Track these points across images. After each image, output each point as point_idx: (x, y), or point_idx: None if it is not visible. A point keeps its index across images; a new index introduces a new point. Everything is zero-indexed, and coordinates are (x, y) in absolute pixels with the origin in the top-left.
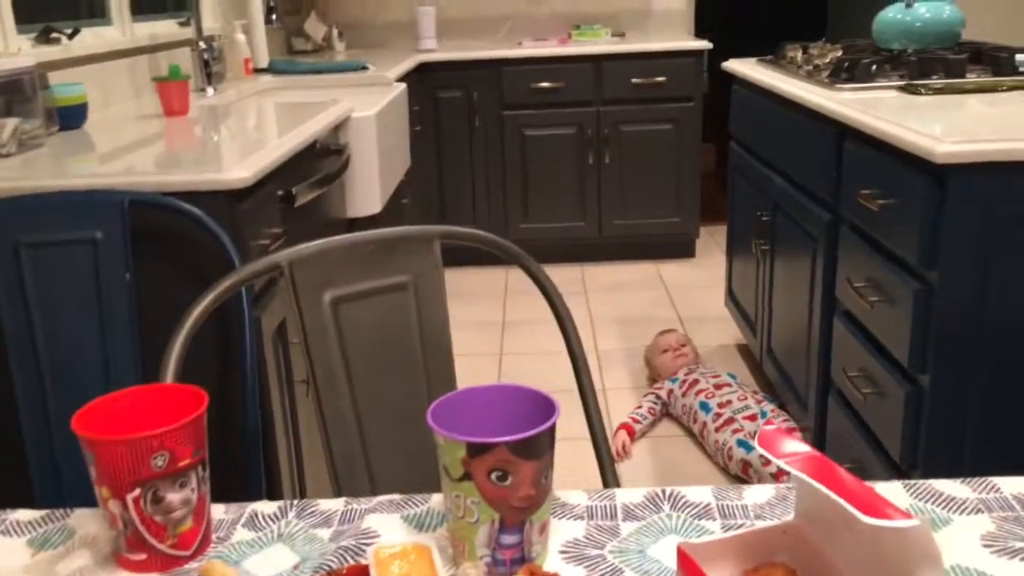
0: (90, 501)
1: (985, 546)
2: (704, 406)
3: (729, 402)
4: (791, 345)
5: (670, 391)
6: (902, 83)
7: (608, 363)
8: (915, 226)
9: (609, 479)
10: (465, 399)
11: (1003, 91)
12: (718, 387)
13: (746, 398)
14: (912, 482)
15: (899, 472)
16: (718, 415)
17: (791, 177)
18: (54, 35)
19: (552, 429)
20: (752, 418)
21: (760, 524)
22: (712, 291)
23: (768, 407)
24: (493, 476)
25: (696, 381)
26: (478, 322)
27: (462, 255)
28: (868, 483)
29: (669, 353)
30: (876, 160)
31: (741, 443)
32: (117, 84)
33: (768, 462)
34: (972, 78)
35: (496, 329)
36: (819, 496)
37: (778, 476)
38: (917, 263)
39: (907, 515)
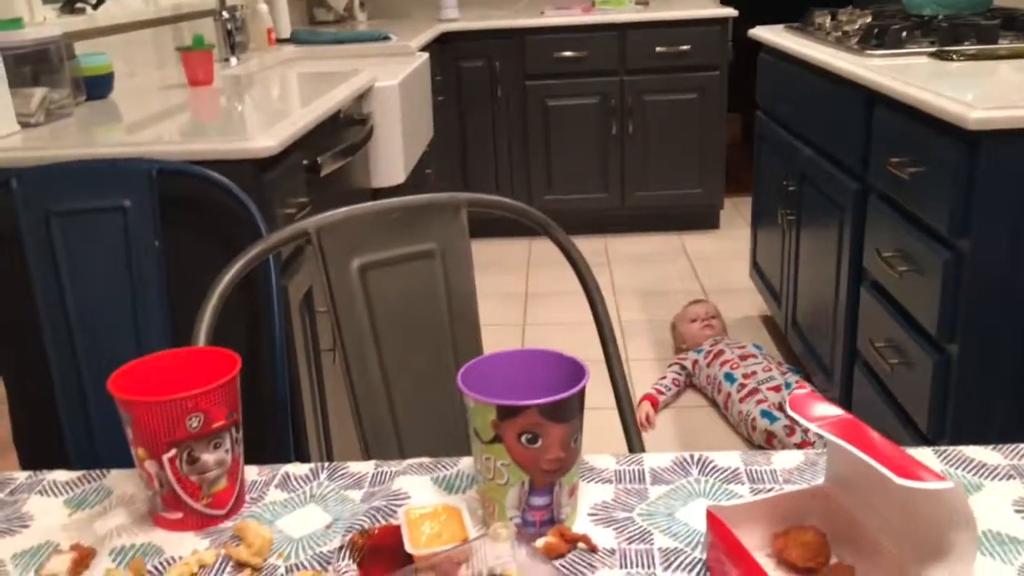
0: (124, 464)
1: (1017, 511)
2: (729, 377)
3: (754, 373)
4: (817, 316)
5: (695, 361)
6: (933, 49)
7: (631, 334)
8: (947, 194)
9: (635, 444)
10: (495, 363)
11: None
12: (743, 358)
13: (771, 369)
14: (942, 448)
15: (926, 442)
16: (742, 386)
17: (818, 146)
18: (79, 5)
19: (582, 392)
20: (776, 389)
21: (789, 488)
22: (736, 262)
23: (793, 378)
24: (523, 439)
25: (721, 352)
26: (501, 293)
27: (485, 226)
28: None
29: (697, 323)
30: (907, 127)
31: (765, 413)
32: (142, 54)
33: (793, 432)
34: (1005, 44)
35: (519, 300)
36: (851, 459)
37: (802, 446)
38: (948, 231)
39: (940, 477)
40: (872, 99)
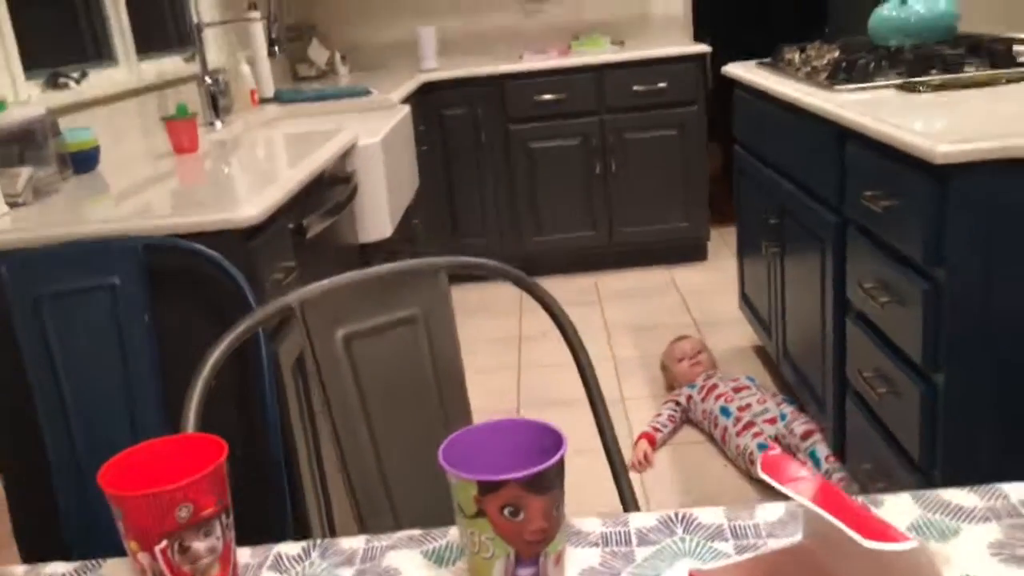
0: (124, 550)
1: (993, 554)
2: (724, 411)
3: (748, 406)
4: (806, 347)
5: (689, 396)
6: (900, 81)
7: (626, 371)
8: (919, 226)
9: (627, 498)
10: (476, 436)
11: (1002, 84)
12: (737, 390)
13: (765, 401)
14: (921, 493)
15: (918, 471)
16: (738, 419)
17: (797, 179)
18: (62, 80)
19: (560, 463)
20: (772, 421)
21: (772, 543)
22: (726, 294)
23: (787, 409)
24: (506, 512)
25: (715, 386)
26: (495, 337)
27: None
28: (879, 496)
29: (685, 362)
30: (878, 161)
31: (762, 447)
32: (127, 124)
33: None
34: (970, 72)
35: (513, 343)
36: (824, 519)
37: None
38: (924, 262)
39: (905, 537)
40: (844, 134)
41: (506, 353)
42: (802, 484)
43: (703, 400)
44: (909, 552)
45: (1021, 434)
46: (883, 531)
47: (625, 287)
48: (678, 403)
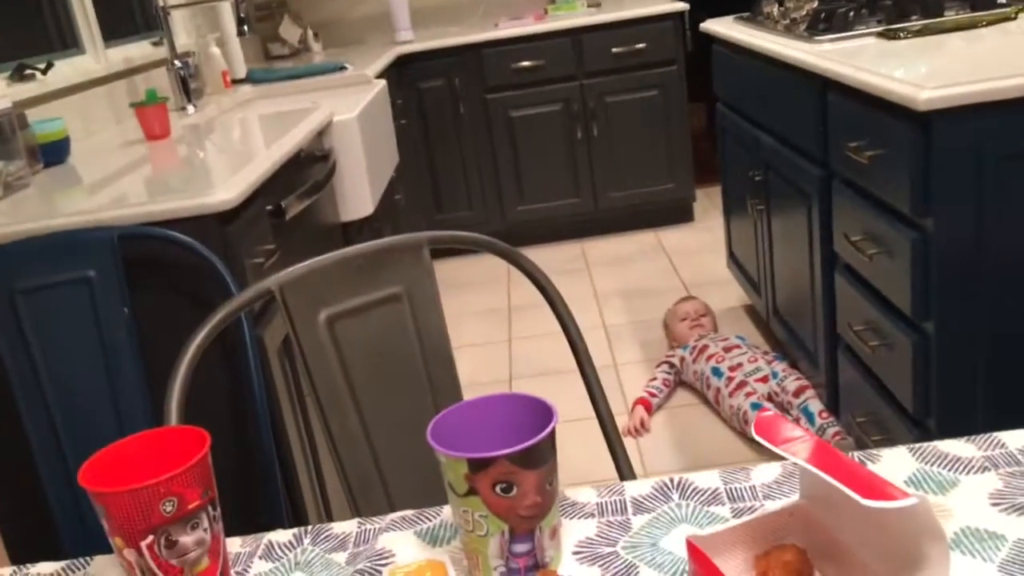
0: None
1: (993, 504)
2: (716, 371)
3: (740, 365)
4: (796, 303)
5: (682, 358)
6: (880, 29)
7: (617, 337)
8: (905, 175)
9: (623, 466)
10: (464, 413)
11: (983, 27)
12: (727, 350)
13: (756, 360)
14: (918, 446)
15: (913, 422)
16: (730, 379)
17: (779, 134)
18: (28, 71)
19: (552, 436)
20: (764, 380)
21: (769, 505)
22: (714, 254)
23: (779, 366)
24: (498, 488)
25: (706, 347)
26: (484, 310)
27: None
28: (875, 450)
29: (687, 322)
30: (861, 111)
31: (755, 406)
32: (97, 112)
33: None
34: (951, 15)
35: (503, 315)
36: (821, 479)
37: None
38: (911, 211)
39: (905, 494)
40: (825, 85)
41: (496, 325)
42: (797, 444)
43: (694, 361)
44: (909, 509)
45: (1014, 381)
46: (881, 489)
47: (612, 253)
48: (671, 365)
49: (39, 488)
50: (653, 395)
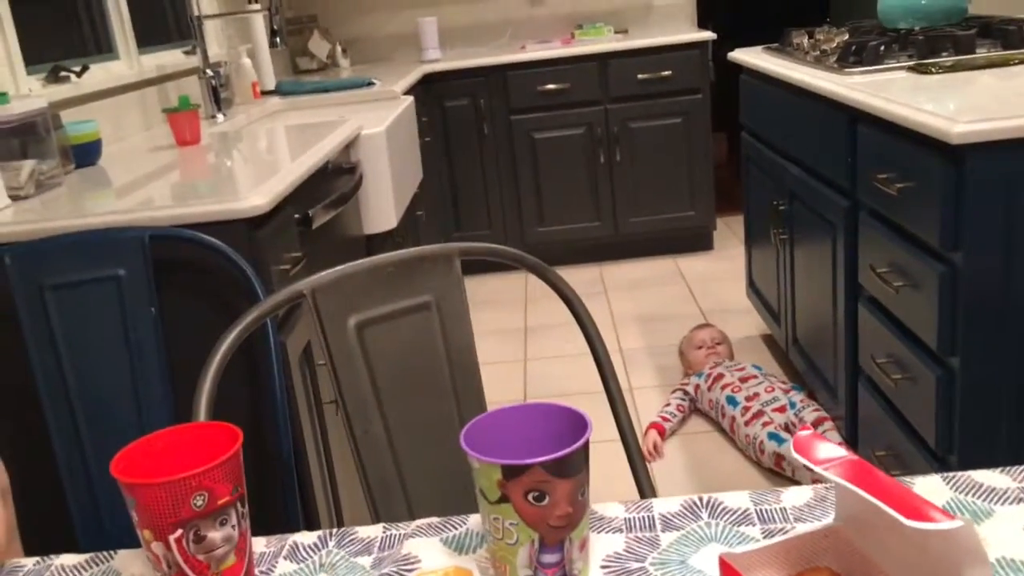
0: (133, 541)
1: None
2: (731, 400)
3: (757, 395)
4: (817, 334)
5: (696, 386)
6: (911, 63)
7: (633, 362)
8: (935, 208)
9: (644, 484)
10: (497, 419)
11: (1015, 64)
12: (744, 380)
13: (773, 389)
14: (951, 475)
15: (935, 458)
16: (746, 408)
17: (805, 164)
18: (63, 74)
19: (586, 446)
20: (781, 410)
21: (800, 527)
22: (733, 282)
23: (797, 397)
24: (530, 497)
25: (721, 375)
26: (501, 329)
27: (480, 263)
28: (908, 478)
29: (703, 350)
30: (891, 143)
31: (772, 436)
32: (128, 117)
33: None
34: (982, 53)
35: (519, 335)
36: (860, 500)
37: None
38: (940, 245)
39: (949, 516)
40: (855, 117)
41: (512, 345)
42: (837, 464)
43: (709, 389)
44: (953, 531)
45: None
46: (924, 511)
47: (631, 278)
48: (686, 392)
49: (57, 482)
50: (667, 420)
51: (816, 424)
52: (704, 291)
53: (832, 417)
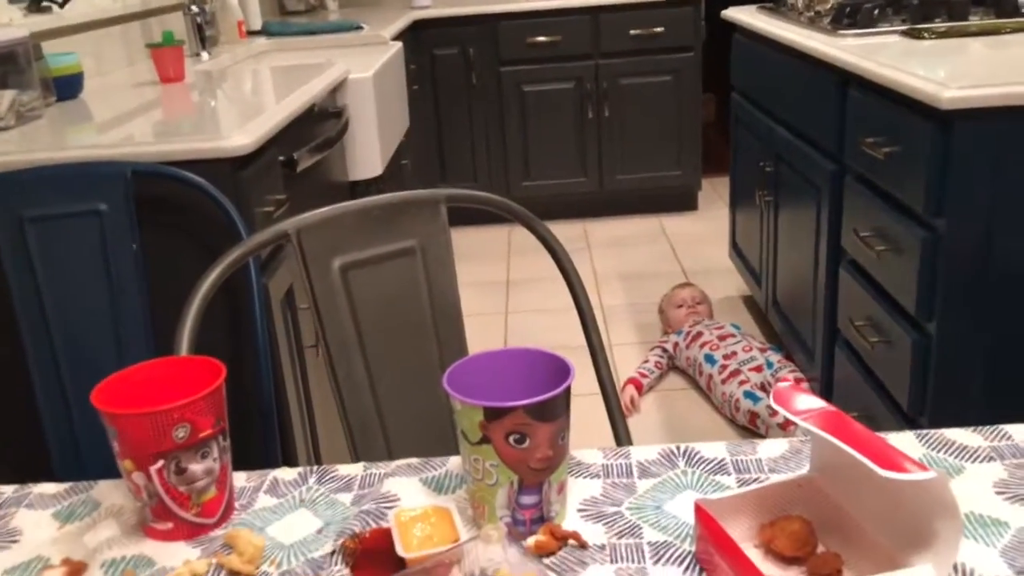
0: (109, 472)
1: (998, 493)
2: (709, 358)
3: (734, 353)
4: (797, 296)
5: (675, 344)
6: (905, 27)
7: (613, 319)
8: (921, 173)
9: (621, 435)
10: (480, 363)
11: (1007, 33)
12: (722, 338)
13: (751, 349)
14: (924, 432)
15: (907, 420)
16: (723, 367)
17: (794, 127)
18: (45, 4)
19: (568, 391)
20: (758, 369)
21: (775, 478)
22: (716, 243)
23: (774, 357)
24: (511, 439)
25: (700, 334)
26: (482, 281)
27: (464, 215)
28: (882, 434)
29: (683, 309)
30: (880, 107)
31: (748, 394)
32: (111, 52)
33: (776, 412)
34: (975, 20)
35: (501, 288)
36: (835, 450)
37: (785, 426)
38: (924, 211)
39: (923, 467)
40: (846, 79)
41: (493, 298)
42: (814, 414)
43: (688, 347)
44: (927, 482)
45: (1010, 386)
46: (898, 462)
47: (614, 235)
48: (664, 349)
49: (33, 412)
50: (644, 376)
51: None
52: (687, 251)
53: (808, 378)
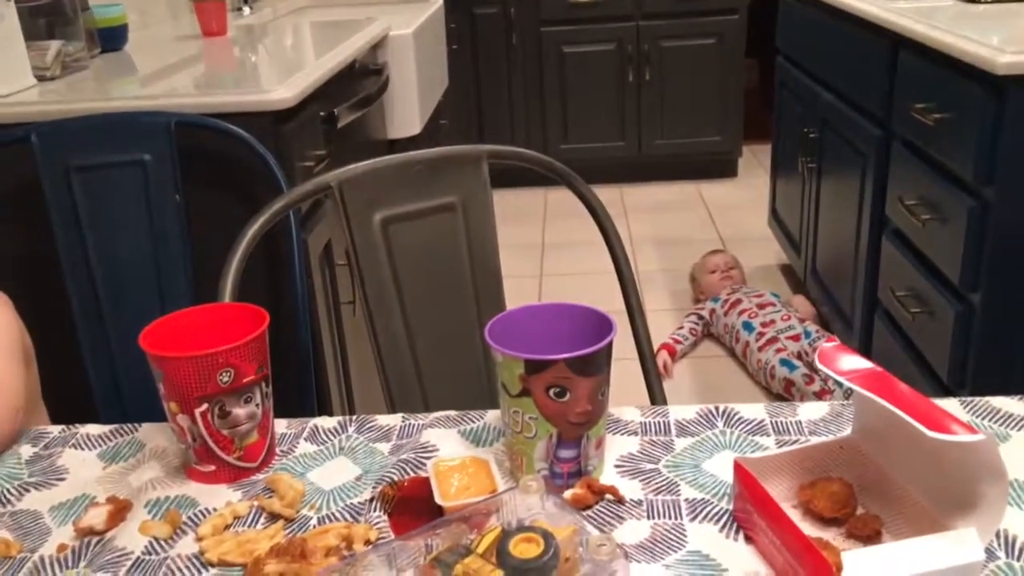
0: (151, 417)
1: None
2: (747, 325)
3: (772, 322)
4: (837, 265)
5: (712, 311)
6: None
7: (648, 284)
8: (972, 140)
9: (657, 397)
10: (521, 316)
11: None
12: (761, 307)
13: (789, 318)
14: (969, 399)
15: (946, 392)
16: (761, 334)
17: (841, 92)
18: None
19: (609, 346)
20: (796, 338)
21: (814, 440)
22: (754, 211)
23: (812, 327)
24: (551, 392)
25: (739, 301)
26: (518, 244)
27: (499, 177)
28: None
29: (717, 274)
30: (932, 72)
31: (784, 362)
32: (154, 5)
33: (812, 380)
34: None
35: (536, 251)
36: (879, 411)
37: (821, 395)
38: (973, 179)
39: (971, 430)
40: (897, 43)
41: (529, 260)
42: (860, 374)
43: (726, 314)
44: (974, 444)
45: None
46: (946, 423)
47: (651, 200)
48: (700, 316)
49: (76, 356)
50: (679, 342)
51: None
52: (724, 218)
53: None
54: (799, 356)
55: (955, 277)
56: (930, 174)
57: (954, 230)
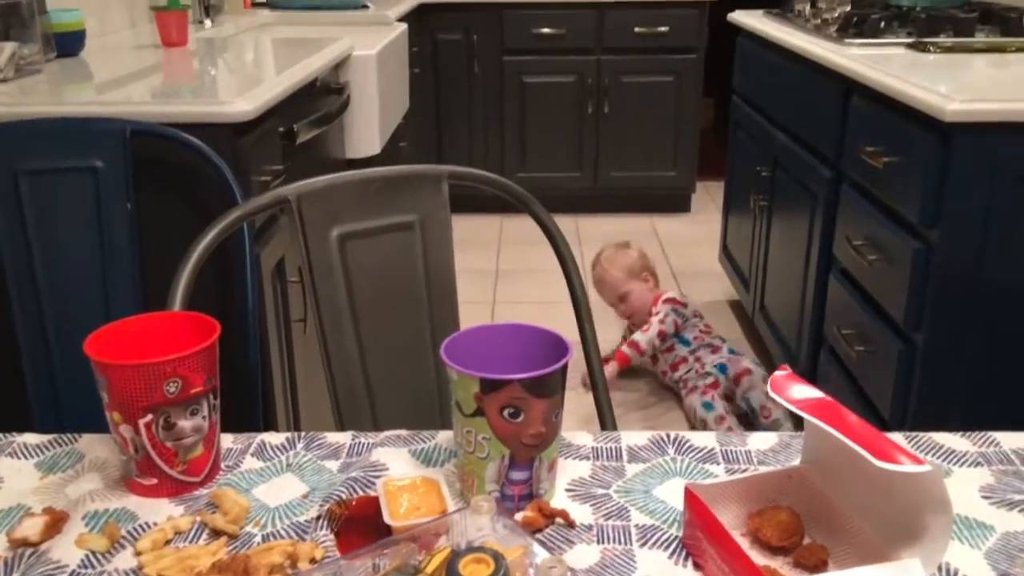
0: (89, 428)
1: (984, 497)
2: (673, 382)
3: (687, 378)
4: (785, 302)
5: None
6: (910, 40)
7: (600, 315)
8: (918, 184)
9: (608, 425)
10: (478, 336)
11: (1012, 52)
12: (674, 367)
13: (703, 365)
14: (913, 434)
15: (887, 429)
16: (684, 383)
17: (793, 132)
18: None
19: (564, 369)
20: (714, 385)
21: (763, 469)
22: (706, 247)
23: (725, 357)
24: (505, 413)
25: (657, 359)
26: (472, 269)
27: (456, 202)
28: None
29: (619, 306)
30: (882, 117)
31: (707, 405)
32: (114, 12)
33: (723, 419)
34: (981, 38)
35: (489, 277)
36: (828, 441)
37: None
38: (919, 222)
39: (918, 460)
40: (849, 88)
41: (481, 287)
42: (810, 403)
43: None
44: (921, 475)
45: (991, 401)
46: (893, 454)
47: (605, 231)
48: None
49: (17, 364)
50: (638, 352)
51: (737, 379)
52: (676, 252)
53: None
54: (725, 397)
55: (899, 317)
56: (877, 216)
57: (899, 271)
